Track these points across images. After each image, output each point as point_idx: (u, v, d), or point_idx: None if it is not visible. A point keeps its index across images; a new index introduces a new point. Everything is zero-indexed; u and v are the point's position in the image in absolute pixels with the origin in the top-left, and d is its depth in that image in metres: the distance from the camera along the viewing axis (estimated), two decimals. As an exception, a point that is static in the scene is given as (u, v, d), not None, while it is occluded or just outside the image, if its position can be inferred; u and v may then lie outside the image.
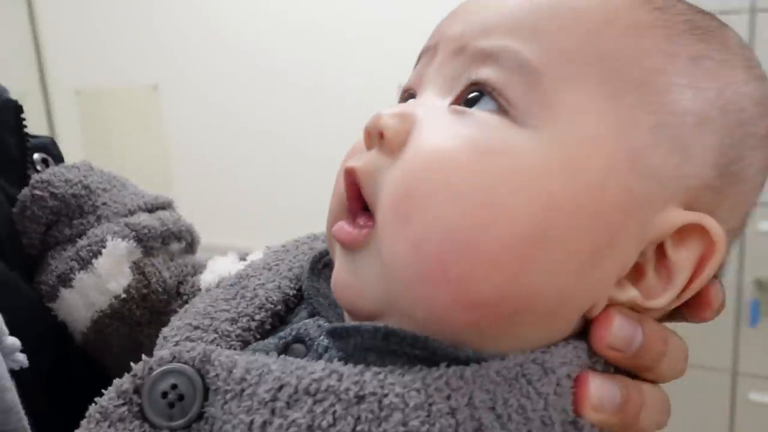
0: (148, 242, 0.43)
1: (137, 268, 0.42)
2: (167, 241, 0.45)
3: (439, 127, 0.29)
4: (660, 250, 0.30)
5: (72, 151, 2.52)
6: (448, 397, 0.26)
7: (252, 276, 0.37)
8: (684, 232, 0.29)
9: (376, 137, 0.30)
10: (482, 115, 0.29)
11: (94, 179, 0.45)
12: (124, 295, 0.42)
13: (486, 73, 0.29)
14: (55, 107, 2.60)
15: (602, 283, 0.29)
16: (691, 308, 0.32)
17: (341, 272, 0.31)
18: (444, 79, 0.32)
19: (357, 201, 0.31)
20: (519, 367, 0.27)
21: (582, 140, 0.28)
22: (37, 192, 0.42)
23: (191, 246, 0.48)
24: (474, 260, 0.27)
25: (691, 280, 0.29)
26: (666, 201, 0.29)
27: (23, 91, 2.62)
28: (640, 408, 0.30)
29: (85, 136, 2.60)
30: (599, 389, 0.28)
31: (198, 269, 0.46)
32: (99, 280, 0.41)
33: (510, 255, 0.27)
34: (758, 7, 1.50)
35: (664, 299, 0.30)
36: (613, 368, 0.30)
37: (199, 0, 2.26)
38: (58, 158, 0.47)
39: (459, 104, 0.30)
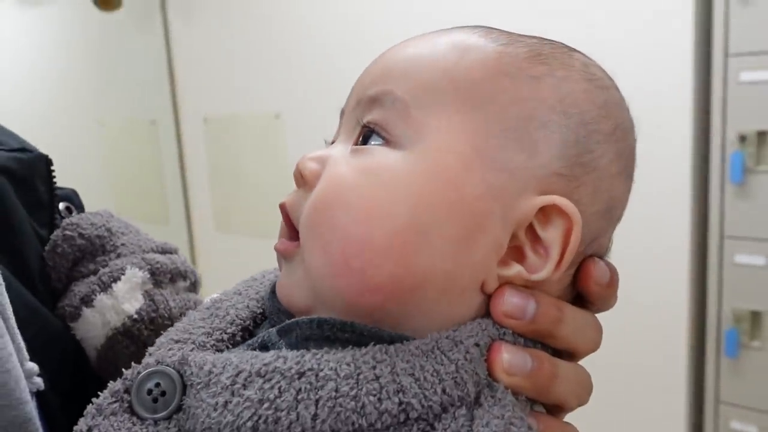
0: (159, 276, 0.50)
1: (148, 295, 0.49)
2: (175, 278, 0.51)
3: (340, 163, 0.37)
4: (533, 231, 0.36)
5: (200, 173, 2.68)
6: (374, 368, 0.32)
7: (224, 300, 0.43)
8: (546, 214, 0.35)
9: (299, 178, 0.39)
10: (372, 148, 0.37)
11: (114, 224, 0.52)
12: (135, 316, 0.48)
13: (372, 115, 0.38)
14: (184, 134, 2.76)
15: (482, 261, 0.35)
16: (580, 284, 0.38)
17: (281, 278, 0.40)
18: (348, 128, 0.40)
19: (290, 227, 0.39)
20: (434, 342, 0.33)
21: (441, 150, 0.35)
22: (68, 232, 0.49)
23: (194, 286, 0.54)
24: (368, 253, 0.34)
25: (563, 253, 0.35)
26: (521, 189, 0.35)
27: (157, 119, 2.82)
28: (552, 377, 0.35)
29: (211, 161, 2.74)
30: (509, 355, 0.34)
31: (197, 305, 0.51)
32: (116, 301, 0.48)
33: (395, 245, 0.34)
34: None
35: (545, 271, 0.35)
36: (523, 340, 0.36)
37: (318, 36, 2.34)
38: (80, 208, 0.54)
39: (357, 144, 0.38)
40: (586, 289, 0.38)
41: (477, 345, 0.34)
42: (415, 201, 0.35)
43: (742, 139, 1.57)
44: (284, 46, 2.41)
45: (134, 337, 0.48)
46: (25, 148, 0.50)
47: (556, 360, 0.37)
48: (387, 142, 0.37)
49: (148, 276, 0.49)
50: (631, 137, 0.40)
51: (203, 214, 2.78)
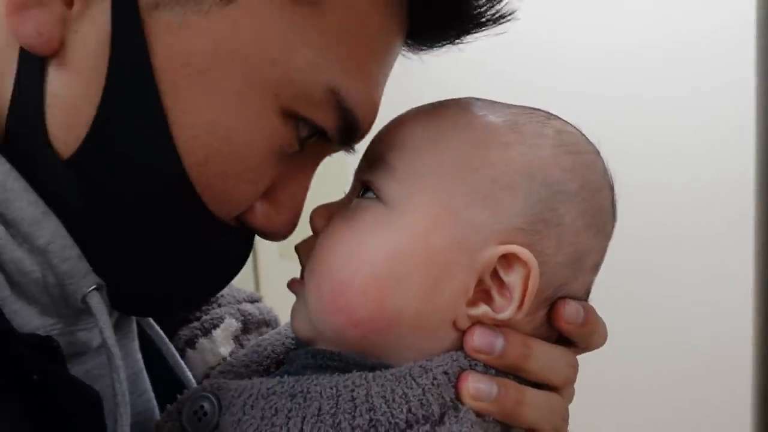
0: (249, 325, 0.57)
1: (238, 341, 0.55)
2: (260, 325, 0.58)
3: (339, 216, 0.44)
4: (498, 277, 0.40)
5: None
6: (352, 390, 0.38)
7: (267, 339, 0.50)
8: (509, 261, 0.40)
9: (312, 225, 0.46)
10: (366, 201, 0.43)
11: None
12: (228, 358, 0.53)
13: (369, 175, 0.43)
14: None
15: (450, 302, 0.40)
16: (554, 324, 0.42)
17: (292, 313, 0.45)
18: (355, 182, 0.46)
19: (303, 266, 0.45)
20: (408, 369, 0.39)
21: (417, 208, 0.41)
22: None
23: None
24: (351, 294, 0.40)
25: (523, 295, 0.40)
26: (485, 241, 0.40)
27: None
28: (518, 403, 0.40)
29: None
30: (475, 382, 0.39)
31: None
32: (214, 345, 0.54)
33: (373, 287, 0.40)
34: None
35: (509, 311, 0.40)
36: (494, 371, 0.40)
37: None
38: None
39: (358, 196, 0.44)
40: (560, 327, 0.42)
41: (446, 373, 0.39)
42: (390, 252, 0.41)
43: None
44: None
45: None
46: None
47: (524, 388, 0.41)
48: (377, 197, 0.42)
49: (240, 325, 0.56)
50: (601, 196, 0.44)
51: (268, 241, 2.87)
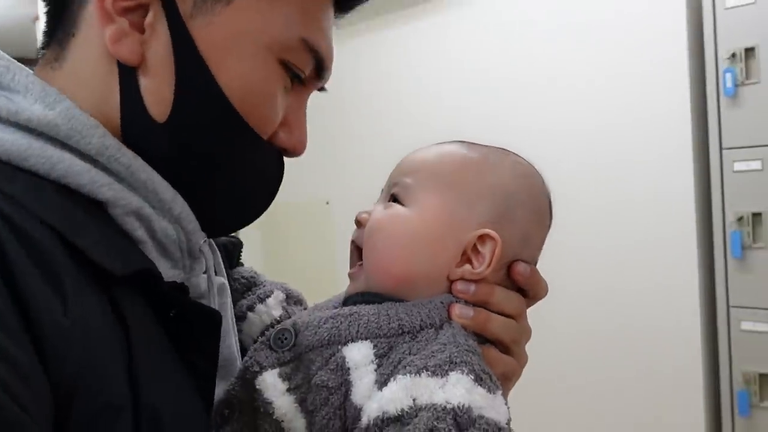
0: (291, 298, 0.76)
1: (284, 308, 0.74)
2: (296, 299, 0.77)
3: (378, 212, 0.65)
4: (475, 248, 0.62)
5: (253, 255, 2.93)
6: (388, 309, 0.59)
7: (320, 303, 0.70)
8: (483, 239, 0.62)
9: (358, 222, 0.66)
10: (393, 204, 0.65)
11: (259, 273, 0.81)
12: (277, 318, 0.72)
13: (395, 190, 0.66)
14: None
15: (446, 265, 0.62)
16: (511, 277, 0.64)
17: (350, 284, 0.67)
18: (384, 195, 0.68)
19: (358, 251, 0.66)
20: (419, 302, 0.60)
21: (426, 209, 0.64)
22: (242, 279, 0.78)
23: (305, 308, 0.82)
24: (389, 261, 0.63)
25: (491, 258, 0.61)
26: (468, 228, 0.63)
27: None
28: (486, 320, 0.61)
29: (264, 244, 2.99)
30: (459, 308, 0.60)
31: None
32: (267, 309, 0.73)
33: (401, 255, 0.62)
34: None
35: (481, 268, 0.61)
36: (471, 305, 0.61)
37: (367, 127, 2.65)
38: (239, 263, 0.82)
39: (388, 201, 0.66)
40: (514, 278, 0.64)
41: (442, 303, 0.60)
42: (411, 233, 0.63)
43: (740, 219, 1.81)
44: (337, 134, 2.72)
45: None
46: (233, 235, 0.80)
47: (490, 313, 0.62)
48: (401, 203, 0.65)
49: (284, 296, 0.75)
50: (541, 201, 0.68)
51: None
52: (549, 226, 0.69)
